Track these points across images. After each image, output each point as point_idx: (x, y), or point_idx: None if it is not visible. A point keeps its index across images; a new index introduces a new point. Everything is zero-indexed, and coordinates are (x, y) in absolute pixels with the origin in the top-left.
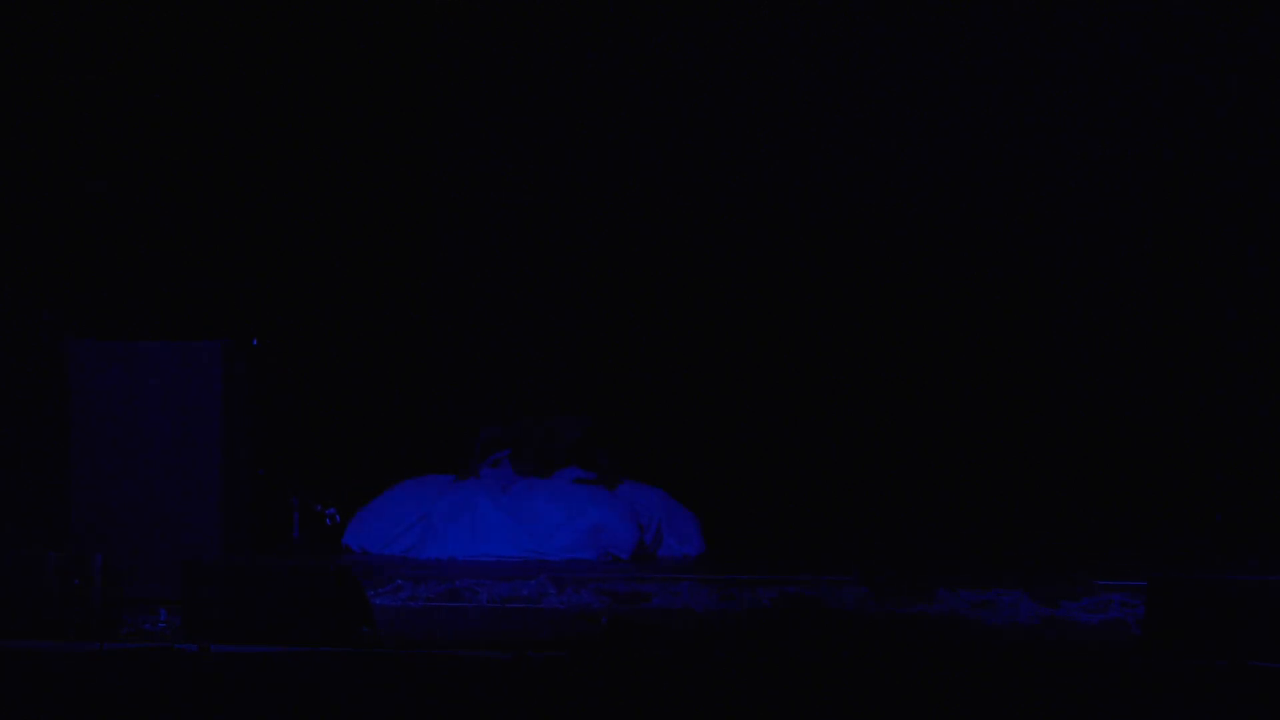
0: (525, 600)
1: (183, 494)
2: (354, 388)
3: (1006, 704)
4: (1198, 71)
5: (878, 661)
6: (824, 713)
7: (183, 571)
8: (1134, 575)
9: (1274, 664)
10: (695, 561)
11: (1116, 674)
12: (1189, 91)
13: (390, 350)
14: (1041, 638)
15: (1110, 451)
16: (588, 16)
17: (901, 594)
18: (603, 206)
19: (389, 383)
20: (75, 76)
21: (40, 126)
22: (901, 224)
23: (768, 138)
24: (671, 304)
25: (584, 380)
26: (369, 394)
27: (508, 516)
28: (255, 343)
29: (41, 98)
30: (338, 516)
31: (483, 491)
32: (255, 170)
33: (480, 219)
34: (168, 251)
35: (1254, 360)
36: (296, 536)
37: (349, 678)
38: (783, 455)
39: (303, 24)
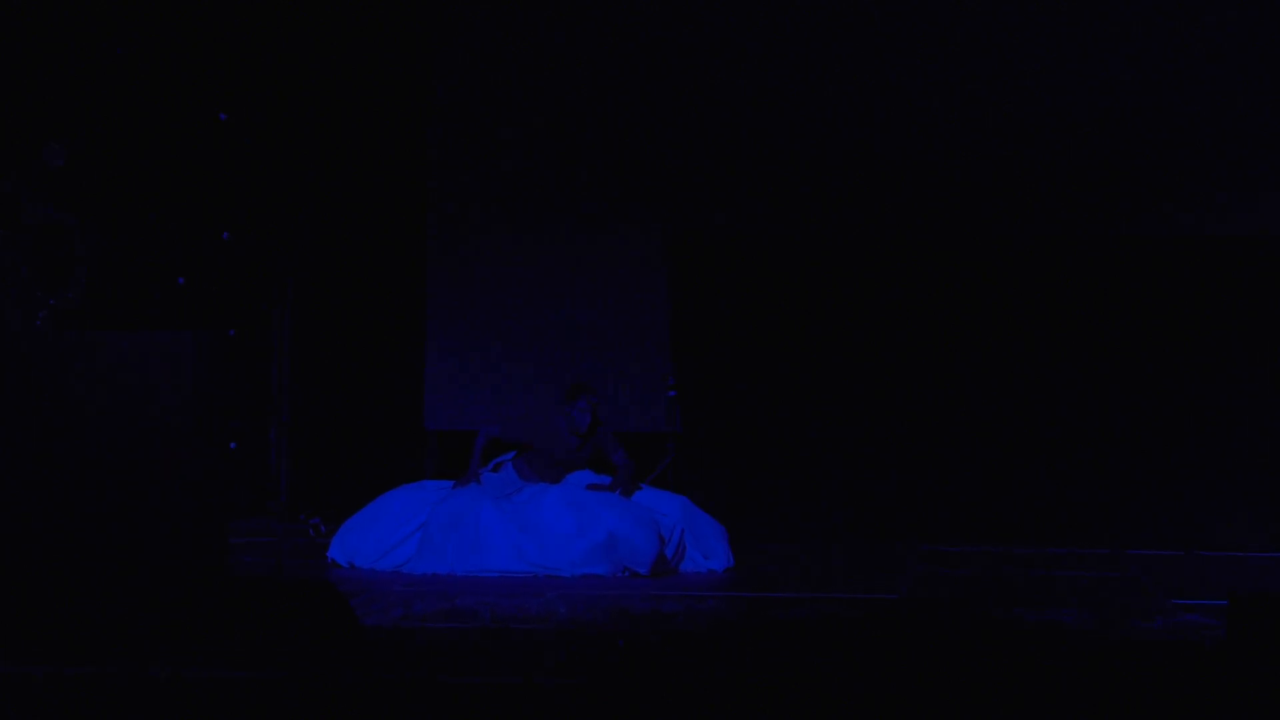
0: (532, 620)
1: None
2: (343, 384)
3: None
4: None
5: (926, 687)
6: None
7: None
8: (1211, 594)
9: None
10: (722, 577)
11: (1198, 693)
12: None
13: (383, 343)
14: (1112, 653)
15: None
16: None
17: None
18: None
19: (381, 379)
20: (46, 47)
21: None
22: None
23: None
24: (695, 290)
25: (595, 373)
26: (359, 391)
27: (512, 527)
28: (231, 334)
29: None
30: (323, 527)
31: (485, 499)
32: (239, 151)
33: (477, 197)
34: (139, 236)
35: None
36: (281, 547)
37: (334, 706)
38: (819, 462)
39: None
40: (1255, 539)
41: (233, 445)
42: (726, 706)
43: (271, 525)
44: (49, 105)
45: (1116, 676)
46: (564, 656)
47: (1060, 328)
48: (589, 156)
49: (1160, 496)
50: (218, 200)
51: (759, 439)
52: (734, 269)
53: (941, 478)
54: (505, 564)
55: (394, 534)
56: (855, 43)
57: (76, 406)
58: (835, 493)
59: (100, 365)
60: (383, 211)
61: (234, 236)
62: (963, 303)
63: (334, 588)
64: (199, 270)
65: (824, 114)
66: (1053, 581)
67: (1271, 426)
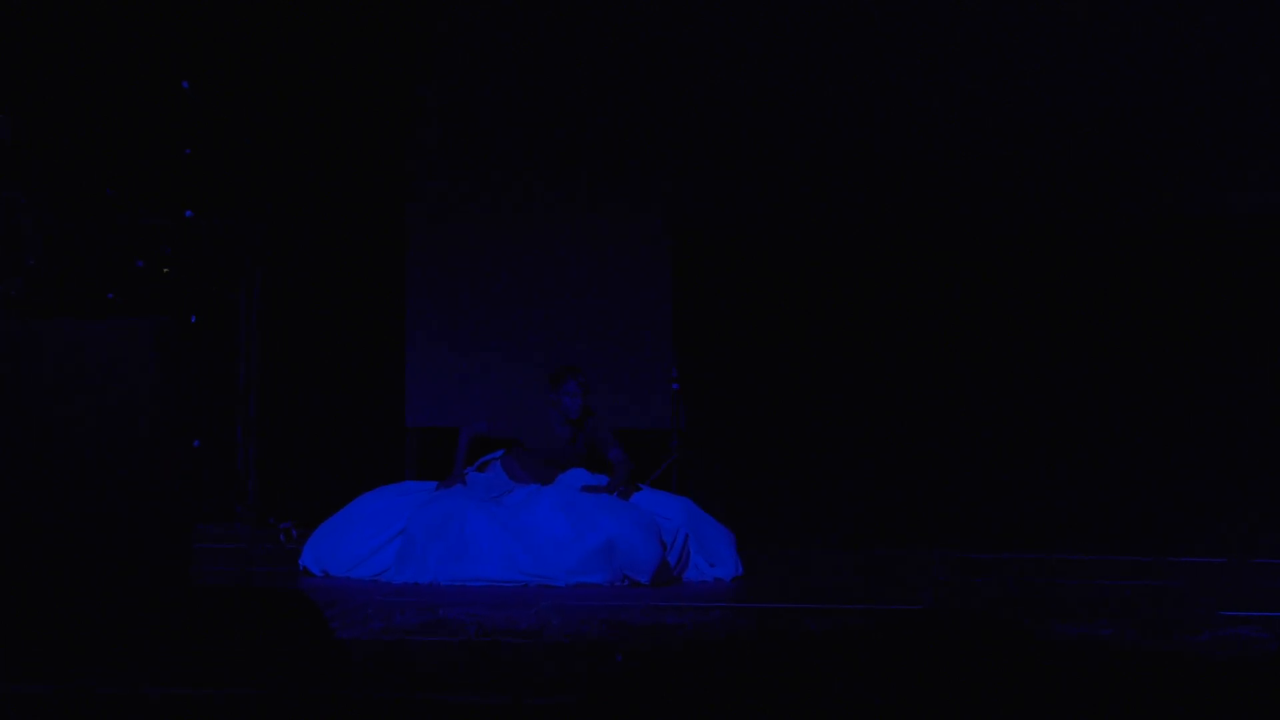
0: (524, 633)
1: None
2: (316, 377)
3: None
4: None
5: (954, 705)
6: None
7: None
8: (1263, 604)
9: None
10: (730, 586)
11: (1249, 712)
12: None
13: (360, 333)
14: (1155, 669)
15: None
16: None
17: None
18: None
19: (358, 371)
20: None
21: None
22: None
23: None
24: (699, 279)
25: (591, 367)
26: (334, 385)
27: (502, 532)
28: (194, 321)
29: None
30: (294, 532)
31: (471, 502)
32: (204, 122)
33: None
34: (105, 221)
35: None
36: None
37: None
38: (833, 462)
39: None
40: None
41: (196, 443)
42: None
43: (239, 530)
44: None
45: (1160, 694)
46: (557, 673)
47: (1103, 314)
48: (586, 138)
49: (1206, 499)
50: (180, 175)
51: (768, 437)
52: (741, 256)
53: (967, 479)
54: (494, 572)
55: (372, 540)
56: (863, 29)
57: (21, 402)
58: (851, 495)
59: (48, 356)
60: (361, 191)
61: (197, 215)
62: (992, 291)
63: (307, 598)
64: (158, 252)
65: (831, 100)
66: (1090, 591)
67: None
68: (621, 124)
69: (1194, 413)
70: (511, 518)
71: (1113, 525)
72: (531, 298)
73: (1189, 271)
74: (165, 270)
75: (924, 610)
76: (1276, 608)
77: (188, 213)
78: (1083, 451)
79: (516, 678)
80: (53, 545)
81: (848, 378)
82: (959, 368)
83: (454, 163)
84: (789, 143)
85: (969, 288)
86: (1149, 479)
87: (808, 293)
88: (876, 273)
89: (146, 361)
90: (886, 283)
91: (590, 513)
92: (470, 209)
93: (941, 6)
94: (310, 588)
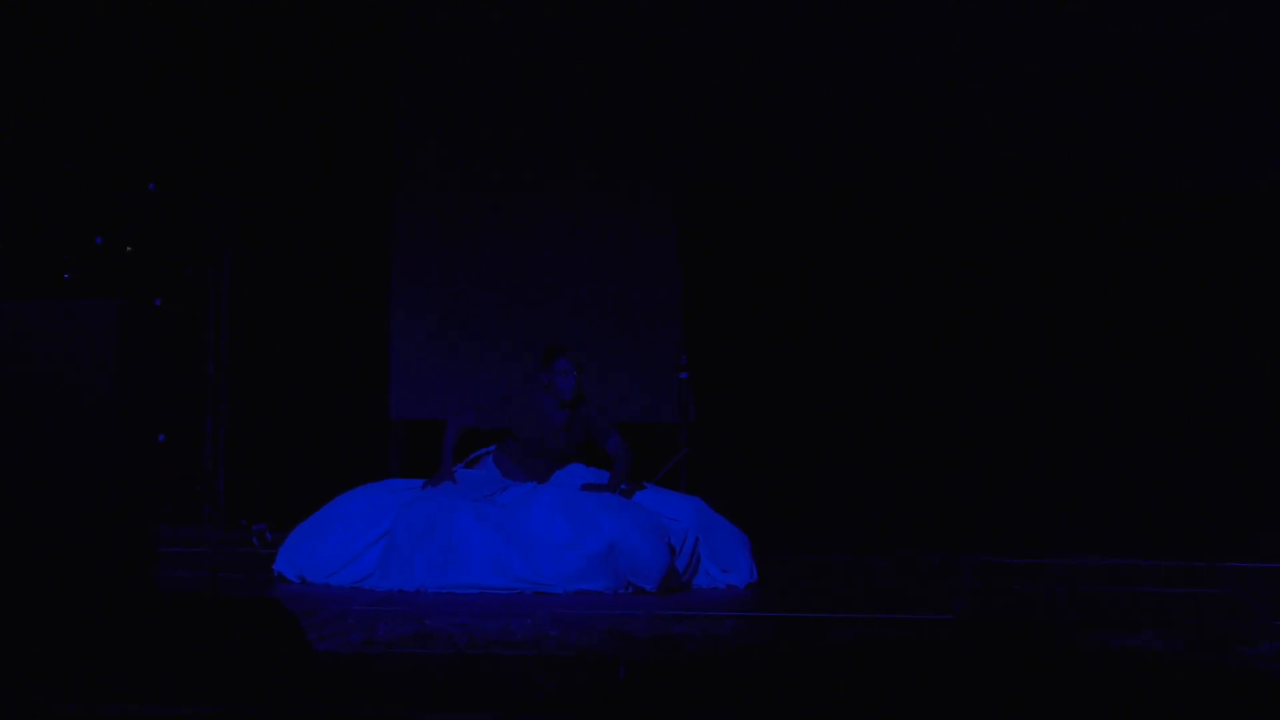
0: (519, 645)
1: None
2: (292, 365)
3: None
4: None
5: None
6: None
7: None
8: None
9: None
10: (743, 594)
11: None
12: None
13: (341, 318)
14: (1208, 684)
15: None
16: None
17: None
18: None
19: (338, 360)
20: None
21: None
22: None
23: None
24: (710, 260)
25: (591, 355)
26: (312, 374)
27: (494, 535)
28: (158, 304)
29: None
30: (269, 534)
31: (461, 502)
32: (170, 85)
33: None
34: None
35: None
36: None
37: None
38: (855, 458)
39: None
40: None
41: (161, 438)
42: None
43: (207, 533)
44: None
45: (1214, 712)
46: (555, 688)
47: (1158, 303)
48: (583, 107)
49: (1261, 500)
50: (143, 145)
51: (785, 431)
52: (757, 231)
53: (1002, 477)
54: (486, 579)
55: (353, 543)
56: None
57: None
58: (876, 494)
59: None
60: (342, 164)
61: (162, 188)
62: (1032, 267)
63: (282, 607)
64: (120, 228)
65: (848, 64)
66: (1136, 599)
67: None
68: (620, 91)
69: (1246, 409)
70: (505, 519)
71: (1160, 527)
72: (525, 280)
73: (1238, 264)
74: (127, 249)
75: (956, 620)
76: None
77: (151, 185)
78: (1128, 449)
79: (510, 694)
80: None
81: (874, 366)
82: (995, 358)
83: (442, 136)
84: (805, 105)
85: (1010, 268)
86: (1199, 478)
87: (831, 271)
88: (907, 249)
89: (106, 348)
90: (917, 259)
91: (591, 514)
92: (460, 185)
93: None
94: (285, 596)
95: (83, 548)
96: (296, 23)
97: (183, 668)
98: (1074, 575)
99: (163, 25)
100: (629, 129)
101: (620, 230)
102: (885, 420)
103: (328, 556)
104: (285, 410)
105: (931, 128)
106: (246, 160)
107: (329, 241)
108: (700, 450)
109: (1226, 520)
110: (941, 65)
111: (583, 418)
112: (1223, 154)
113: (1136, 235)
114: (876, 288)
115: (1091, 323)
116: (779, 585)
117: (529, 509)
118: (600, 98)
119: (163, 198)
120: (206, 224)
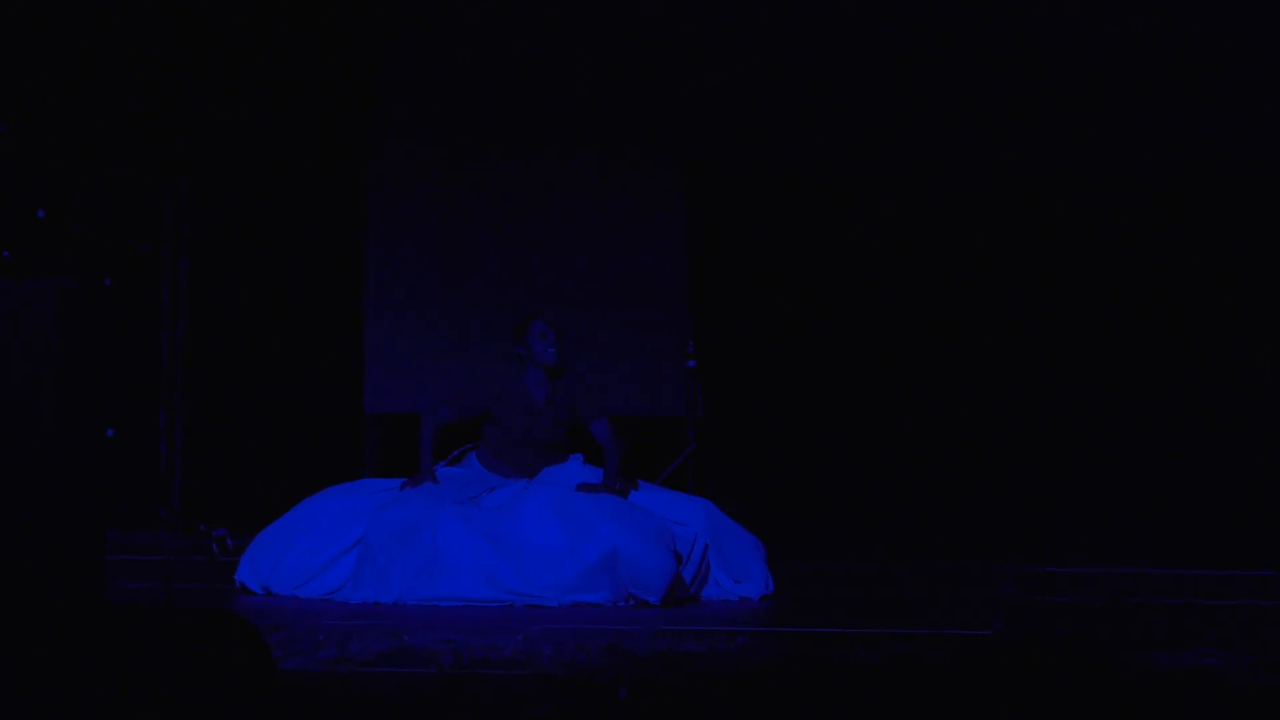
0: (508, 664)
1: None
2: (255, 353)
3: None
4: None
5: None
6: None
7: None
8: None
9: None
10: (757, 607)
11: None
12: None
13: (310, 301)
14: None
15: None
16: None
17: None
18: None
19: (307, 347)
20: None
21: None
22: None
23: None
24: (720, 239)
25: (589, 343)
26: (277, 363)
27: (482, 541)
28: (107, 284)
29: None
30: (229, 540)
31: (443, 504)
32: (121, 37)
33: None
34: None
35: None
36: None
37: None
38: (879, 456)
39: None
40: None
41: (110, 433)
42: None
43: (161, 539)
44: None
45: None
46: (548, 711)
47: (1218, 295)
48: (580, 71)
49: None
50: (91, 105)
51: (803, 426)
52: (772, 205)
53: (1043, 477)
54: (471, 590)
55: (323, 551)
56: None
57: None
58: (904, 496)
59: None
60: (312, 134)
61: (112, 156)
62: (1078, 252)
63: (244, 621)
64: (65, 201)
65: (871, 30)
66: (1193, 613)
67: None
68: (623, 60)
69: None
70: (493, 524)
71: (1218, 534)
72: (515, 261)
73: None
74: (73, 225)
75: (993, 637)
76: None
77: (100, 153)
78: (1184, 447)
79: (498, 717)
80: None
81: (900, 355)
82: (1034, 346)
83: (424, 104)
84: (822, 80)
85: (1052, 252)
86: (1261, 480)
87: (852, 252)
88: (936, 229)
89: (48, 333)
90: (947, 240)
91: (588, 518)
92: (444, 156)
93: None
94: (248, 608)
95: (20, 556)
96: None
97: (133, 689)
98: (1122, 585)
99: None
100: (629, 89)
101: (621, 207)
102: (913, 415)
103: (295, 565)
104: (249, 403)
105: (957, 107)
106: (206, 126)
107: (298, 217)
108: (709, 447)
109: None
110: (965, 38)
111: (568, 394)
112: None
113: (1197, 219)
114: (900, 272)
115: (1141, 308)
116: (797, 597)
117: (519, 512)
118: (601, 65)
119: (113, 166)
120: (161, 196)
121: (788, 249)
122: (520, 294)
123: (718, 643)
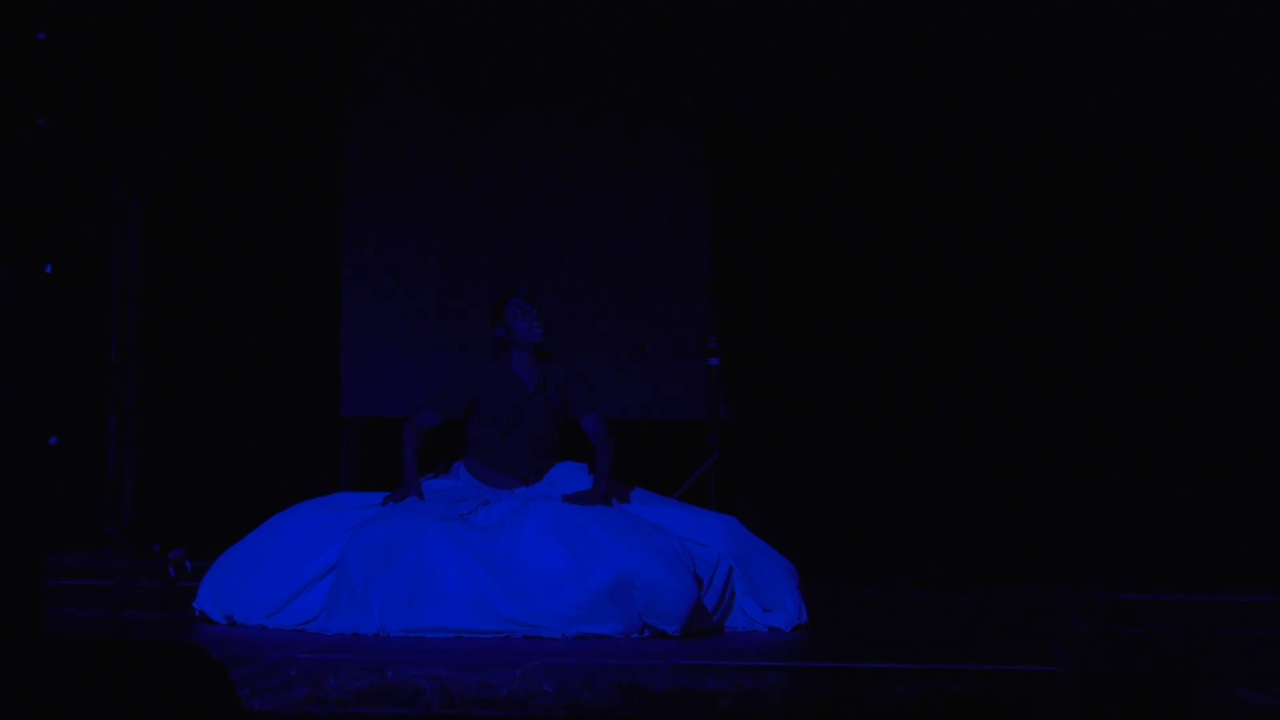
0: (505, 703)
1: None
2: (216, 349)
3: None
4: None
5: None
6: None
7: None
8: None
9: None
10: (790, 639)
11: None
12: None
13: (278, 290)
14: None
15: None
16: None
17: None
18: None
19: (275, 342)
20: None
21: None
22: None
23: None
24: (747, 213)
25: (593, 337)
26: (241, 360)
27: (473, 563)
28: (49, 270)
29: None
30: (188, 563)
31: (430, 521)
32: None
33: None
34: None
35: None
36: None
37: None
38: (928, 465)
39: None
40: None
41: (53, 440)
42: None
43: (111, 560)
44: None
45: None
46: None
47: None
48: (586, 18)
49: None
50: (29, 69)
51: (840, 432)
52: (809, 179)
53: (1117, 490)
54: (463, 619)
55: (295, 575)
56: None
57: None
58: (955, 511)
59: None
60: (283, 95)
61: (53, 124)
62: (1170, 219)
63: (205, 654)
64: (1, 175)
65: None
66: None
67: None
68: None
69: None
70: (486, 543)
71: None
72: (509, 243)
73: None
74: (8, 202)
75: (1059, 674)
76: None
77: (40, 121)
78: (1263, 464)
79: None
80: None
81: (950, 351)
82: (1112, 341)
83: (410, 62)
84: (868, 22)
85: (1156, 221)
86: None
87: (906, 225)
88: (1008, 193)
89: None
90: (1022, 206)
91: (597, 537)
92: (430, 124)
93: None
94: (210, 640)
95: None
96: None
97: None
98: (1207, 614)
99: None
100: (644, 46)
101: (631, 176)
102: (969, 418)
103: (263, 591)
104: (210, 405)
105: (1035, 52)
106: (161, 89)
107: (265, 194)
108: (734, 455)
109: None
110: None
111: (559, 381)
112: None
113: None
114: (962, 249)
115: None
116: (834, 628)
117: (517, 530)
118: (605, 5)
119: (55, 136)
120: (110, 169)
121: (828, 222)
122: (517, 280)
123: (745, 680)
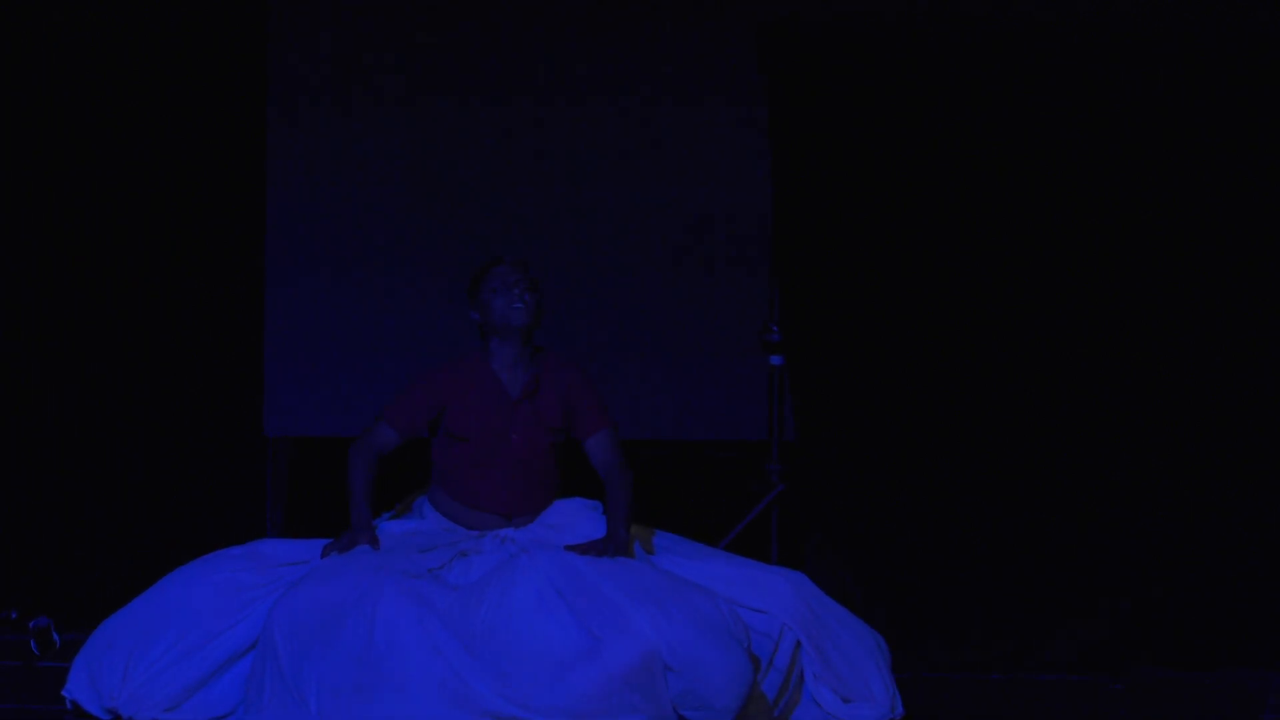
0: None
1: None
2: (102, 355)
3: None
4: None
5: None
6: None
7: None
8: None
9: None
10: None
11: None
12: None
13: (187, 283)
14: None
15: None
16: None
17: None
18: None
19: (183, 347)
20: None
21: None
22: None
23: None
24: (821, 157)
25: (596, 333)
26: (136, 370)
27: (446, 636)
28: None
29: None
30: (55, 635)
31: (387, 580)
32: None
33: None
34: None
35: None
36: None
37: None
38: (1066, 503)
39: None
40: None
41: None
42: None
43: None
44: None
45: None
46: None
47: None
48: None
49: None
50: None
51: (948, 458)
52: (906, 107)
53: None
54: (430, 711)
55: (202, 653)
56: None
57: None
58: (1093, 569)
59: None
60: (194, 45)
61: None
62: None
63: None
64: None
65: None
66: None
67: None
68: None
69: None
70: (463, 609)
71: None
72: (485, 212)
73: None
74: None
75: None
76: None
77: None
78: None
79: None
80: None
81: (1092, 352)
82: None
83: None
84: None
85: None
86: None
87: (1054, 161)
88: (1186, 141)
89: None
90: (1200, 159)
91: (614, 601)
92: (376, 70)
93: None
94: None
95: None
96: None
97: None
98: None
99: None
100: None
101: (665, 102)
102: (1139, 442)
103: (158, 676)
104: (87, 425)
105: None
106: (32, 39)
107: (167, 166)
108: (803, 489)
109: None
110: None
111: (560, 385)
112: None
113: None
114: (1129, 211)
115: None
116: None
117: (505, 591)
118: None
119: None
120: None
121: (921, 189)
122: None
123: None
